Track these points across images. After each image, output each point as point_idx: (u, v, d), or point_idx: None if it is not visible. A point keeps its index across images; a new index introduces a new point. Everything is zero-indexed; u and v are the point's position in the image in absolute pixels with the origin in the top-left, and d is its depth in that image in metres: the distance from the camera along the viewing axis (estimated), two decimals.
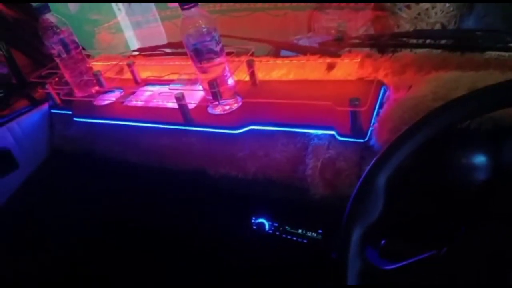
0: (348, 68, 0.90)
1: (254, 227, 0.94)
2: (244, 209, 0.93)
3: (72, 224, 1.15)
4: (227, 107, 0.89)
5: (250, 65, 0.92)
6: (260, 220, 0.92)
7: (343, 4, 1.82)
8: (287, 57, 1.02)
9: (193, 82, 0.99)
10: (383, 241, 0.54)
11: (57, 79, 1.20)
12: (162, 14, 2.09)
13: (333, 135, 0.76)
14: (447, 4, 1.64)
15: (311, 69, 0.95)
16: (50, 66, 1.15)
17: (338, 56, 0.95)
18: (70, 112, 1.10)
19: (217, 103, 0.85)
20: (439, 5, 1.63)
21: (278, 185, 0.81)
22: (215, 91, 0.81)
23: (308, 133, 0.78)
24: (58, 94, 1.13)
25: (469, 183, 0.53)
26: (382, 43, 0.88)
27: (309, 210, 0.84)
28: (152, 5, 1.84)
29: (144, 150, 0.97)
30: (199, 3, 0.78)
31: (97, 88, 1.15)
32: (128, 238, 1.15)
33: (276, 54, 1.10)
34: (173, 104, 0.96)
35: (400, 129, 0.60)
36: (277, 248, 0.94)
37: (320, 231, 0.85)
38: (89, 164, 1.09)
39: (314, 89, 0.88)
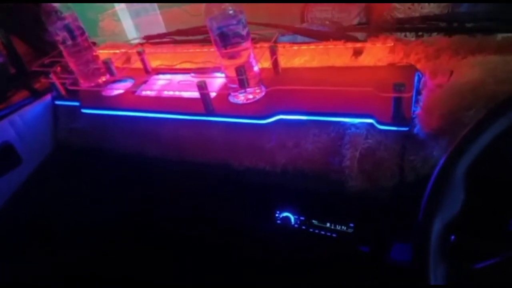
0: (377, 53, 0.86)
1: (279, 221, 0.90)
2: (268, 203, 0.89)
3: (82, 222, 1.09)
4: (250, 96, 0.84)
5: (273, 51, 0.87)
6: (285, 214, 0.88)
7: None
8: (309, 43, 0.96)
9: (209, 70, 0.93)
10: (452, 237, 0.50)
11: (59, 68, 1.12)
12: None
13: (370, 124, 0.72)
14: None
15: (336, 55, 0.91)
16: (52, 54, 1.08)
17: (365, 41, 0.91)
18: (76, 103, 1.03)
19: (243, 91, 0.80)
20: None
21: (310, 178, 0.77)
22: (242, 78, 0.75)
23: (343, 122, 0.74)
24: (63, 84, 1.06)
25: None
26: (412, 27, 0.84)
27: (340, 202, 0.80)
28: None
29: (162, 143, 0.92)
30: None
31: (104, 78, 1.08)
32: (145, 235, 1.10)
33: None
34: (190, 94, 0.91)
35: (458, 115, 0.56)
36: (303, 242, 0.91)
37: (351, 224, 0.81)
38: (99, 158, 1.03)
39: (343, 76, 0.84)
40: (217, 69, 0.89)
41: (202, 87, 0.80)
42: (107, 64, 0.96)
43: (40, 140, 1.08)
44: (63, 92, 1.07)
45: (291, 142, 0.78)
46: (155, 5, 2.00)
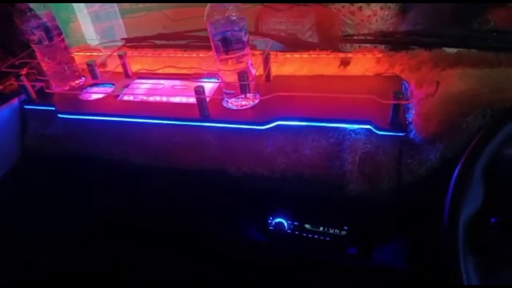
0: (365, 63, 0.91)
1: (271, 228, 0.90)
2: (261, 209, 0.89)
3: (52, 233, 1.00)
4: (245, 102, 0.84)
5: (267, 59, 0.88)
6: (279, 219, 0.89)
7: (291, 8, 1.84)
8: (297, 51, 0.99)
9: (205, 75, 0.92)
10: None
11: (26, 70, 1.04)
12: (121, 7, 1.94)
13: (367, 129, 0.75)
14: (386, 13, 1.77)
15: (325, 64, 0.94)
16: (21, 55, 1.00)
17: (350, 51, 0.95)
18: (50, 108, 0.96)
19: (243, 96, 0.80)
20: (379, 13, 1.74)
21: (310, 182, 0.79)
22: (245, 84, 0.76)
23: (341, 128, 0.77)
24: (33, 87, 0.98)
25: None
26: (395, 40, 0.90)
27: (337, 206, 0.82)
28: None
29: (150, 150, 0.88)
30: None
31: (78, 81, 1.03)
32: (131, 242, 1.04)
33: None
34: (180, 99, 0.90)
35: (457, 121, 0.61)
36: (296, 247, 0.92)
37: (345, 227, 0.84)
38: (75, 165, 0.96)
39: (334, 84, 0.87)
40: (213, 75, 0.88)
41: (200, 92, 0.78)
42: (91, 66, 0.91)
43: (6, 148, 0.99)
44: (34, 95, 0.99)
45: (289, 147, 0.79)
46: (117, 11, 1.93)
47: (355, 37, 0.94)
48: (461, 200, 0.47)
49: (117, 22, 1.98)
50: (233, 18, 0.73)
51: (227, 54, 0.76)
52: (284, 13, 1.83)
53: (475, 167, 0.47)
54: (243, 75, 0.75)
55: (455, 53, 0.86)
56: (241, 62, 0.78)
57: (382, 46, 0.93)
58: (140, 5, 1.61)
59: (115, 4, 1.92)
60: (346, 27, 1.76)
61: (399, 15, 1.74)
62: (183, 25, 1.40)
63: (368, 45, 0.95)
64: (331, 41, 1.64)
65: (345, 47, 1.20)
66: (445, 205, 0.49)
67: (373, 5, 1.72)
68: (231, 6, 0.73)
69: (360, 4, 1.69)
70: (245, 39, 0.76)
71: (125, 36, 1.86)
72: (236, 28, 0.74)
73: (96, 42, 1.47)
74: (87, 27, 1.70)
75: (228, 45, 0.75)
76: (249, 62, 0.80)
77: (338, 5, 1.70)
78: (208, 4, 0.73)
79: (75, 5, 1.65)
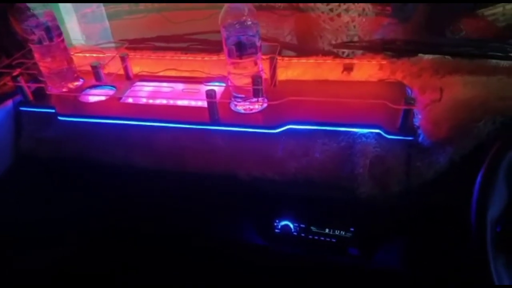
0: (368, 69, 0.94)
1: (277, 231, 0.91)
2: (268, 212, 0.90)
3: (53, 236, 0.97)
4: (252, 106, 0.84)
5: (274, 64, 0.89)
6: (285, 222, 0.90)
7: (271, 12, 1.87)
8: (301, 57, 1.01)
9: (216, 79, 0.92)
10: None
11: (19, 70, 1.01)
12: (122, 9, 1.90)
13: (377, 133, 0.78)
14: (364, 19, 1.83)
15: (328, 69, 0.96)
16: (15, 56, 0.96)
17: (352, 58, 0.98)
18: (49, 110, 0.93)
19: (254, 100, 0.81)
20: (357, 20, 1.81)
21: (319, 185, 0.80)
22: (258, 88, 0.76)
23: (352, 131, 0.79)
24: (29, 88, 0.95)
25: None
26: (396, 48, 0.93)
27: (345, 208, 0.84)
28: None
29: (155, 153, 0.87)
30: None
31: (76, 83, 1.00)
32: (135, 248, 1.02)
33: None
34: (186, 102, 0.90)
35: (468, 126, 0.65)
36: (300, 248, 0.93)
37: (351, 229, 0.86)
38: (76, 168, 0.94)
39: (340, 89, 0.90)
40: (219, 79, 0.89)
41: (212, 96, 0.78)
42: (95, 68, 0.88)
43: (1, 151, 0.95)
44: (31, 97, 0.95)
45: (299, 151, 0.80)
46: (104, 14, 1.89)
47: (352, 44, 0.97)
48: (487, 201, 0.49)
49: (104, 24, 1.94)
50: (248, 23, 0.74)
51: (240, 59, 0.76)
52: (264, 17, 1.86)
53: (499, 169, 0.49)
54: (257, 79, 0.76)
55: (453, 61, 0.90)
56: (253, 66, 0.78)
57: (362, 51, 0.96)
58: (141, 7, 1.58)
59: (102, 7, 1.88)
60: (325, 32, 1.80)
61: (375, 22, 1.81)
62: (173, 28, 1.39)
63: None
64: (314, 45, 1.67)
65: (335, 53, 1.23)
66: (472, 205, 0.51)
67: (351, 11, 1.76)
68: (246, 10, 0.74)
69: (339, 11, 1.73)
70: (258, 44, 0.77)
71: (111, 39, 1.82)
72: (251, 33, 0.75)
73: (82, 43, 1.44)
74: (74, 28, 1.65)
75: (242, 49, 0.75)
76: (260, 66, 0.81)
77: (318, 11, 1.74)
78: (224, 7, 0.73)
79: (61, 6, 1.61)
